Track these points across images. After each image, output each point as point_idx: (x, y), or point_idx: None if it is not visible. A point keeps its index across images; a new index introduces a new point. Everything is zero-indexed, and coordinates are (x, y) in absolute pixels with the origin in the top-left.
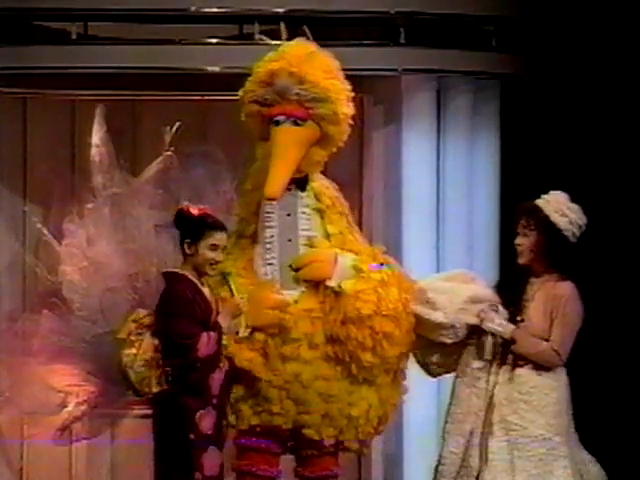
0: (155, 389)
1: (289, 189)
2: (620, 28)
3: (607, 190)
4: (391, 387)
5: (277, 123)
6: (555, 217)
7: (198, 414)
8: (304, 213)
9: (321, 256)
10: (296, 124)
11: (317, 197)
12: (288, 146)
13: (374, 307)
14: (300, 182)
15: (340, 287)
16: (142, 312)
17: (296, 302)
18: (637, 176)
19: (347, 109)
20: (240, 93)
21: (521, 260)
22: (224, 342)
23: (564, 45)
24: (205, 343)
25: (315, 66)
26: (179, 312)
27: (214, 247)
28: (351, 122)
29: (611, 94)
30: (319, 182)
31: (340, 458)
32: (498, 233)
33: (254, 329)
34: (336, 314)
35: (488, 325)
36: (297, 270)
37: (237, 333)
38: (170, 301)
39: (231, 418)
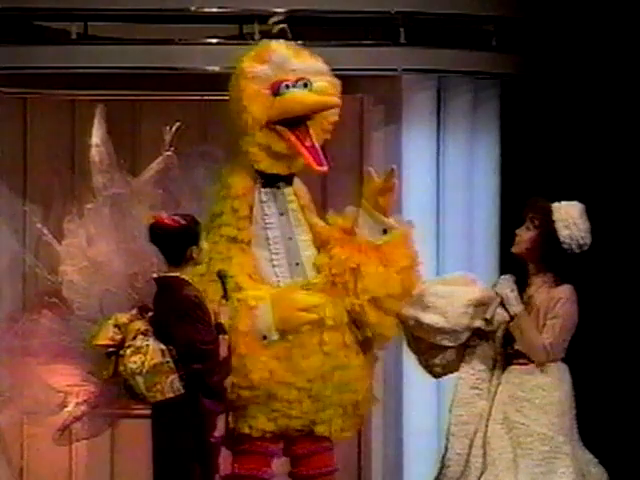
0: (168, 395)
1: (278, 187)
2: (620, 28)
3: (607, 190)
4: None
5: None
6: (559, 226)
7: (218, 417)
8: (294, 210)
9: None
10: None
11: (295, 193)
12: None
13: None
14: (289, 179)
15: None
16: (120, 315)
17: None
18: (637, 174)
19: None
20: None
21: (514, 249)
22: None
23: (564, 45)
24: (221, 346)
25: None
26: (196, 318)
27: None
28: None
29: (611, 94)
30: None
31: (340, 458)
32: (498, 232)
33: (282, 332)
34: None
35: (504, 292)
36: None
37: (264, 338)
38: (183, 307)
39: (242, 423)
